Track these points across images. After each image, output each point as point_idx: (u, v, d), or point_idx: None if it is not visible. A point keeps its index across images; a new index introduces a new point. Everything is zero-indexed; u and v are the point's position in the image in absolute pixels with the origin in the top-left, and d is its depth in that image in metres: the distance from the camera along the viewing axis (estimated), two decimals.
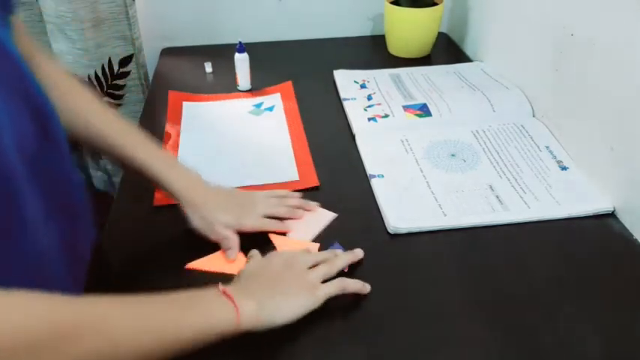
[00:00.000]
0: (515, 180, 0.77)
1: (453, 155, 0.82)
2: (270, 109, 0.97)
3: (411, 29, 1.13)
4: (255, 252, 0.63)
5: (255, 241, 0.65)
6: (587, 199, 0.73)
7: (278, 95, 1.01)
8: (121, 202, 0.75)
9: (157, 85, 1.08)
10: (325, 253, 0.62)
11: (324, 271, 0.58)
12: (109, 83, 1.17)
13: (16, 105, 0.45)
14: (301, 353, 0.54)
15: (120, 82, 1.19)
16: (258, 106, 0.98)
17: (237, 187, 0.76)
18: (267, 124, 0.93)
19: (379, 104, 0.95)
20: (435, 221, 0.69)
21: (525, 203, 0.72)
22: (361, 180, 0.78)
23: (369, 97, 0.97)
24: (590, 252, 0.66)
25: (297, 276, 0.56)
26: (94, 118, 0.62)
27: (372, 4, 1.25)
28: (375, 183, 0.77)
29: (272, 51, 1.20)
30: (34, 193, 0.47)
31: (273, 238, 0.68)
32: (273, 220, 0.68)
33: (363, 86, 1.02)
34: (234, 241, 0.64)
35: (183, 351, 0.45)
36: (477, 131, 0.88)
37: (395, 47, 1.18)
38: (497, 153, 0.83)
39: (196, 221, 0.64)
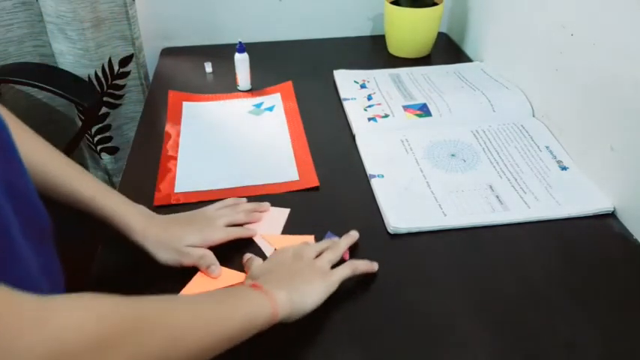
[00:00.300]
0: (515, 180, 0.77)
1: (453, 155, 0.82)
2: (270, 109, 0.97)
3: (411, 29, 1.13)
4: (249, 255, 0.63)
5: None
6: (587, 199, 0.73)
7: (278, 95, 1.01)
8: None
9: (157, 85, 1.08)
10: (325, 242, 0.63)
11: (330, 257, 0.60)
12: (109, 83, 1.17)
13: None
14: (301, 354, 0.54)
15: (120, 82, 1.19)
16: (258, 106, 0.98)
17: (238, 187, 0.77)
18: (267, 124, 0.93)
19: (379, 104, 0.95)
20: (435, 221, 0.69)
21: (525, 203, 0.72)
22: (361, 180, 0.78)
23: (369, 97, 0.97)
24: (590, 252, 0.66)
25: (309, 266, 0.58)
26: (38, 158, 0.60)
27: (372, 4, 1.25)
28: (375, 183, 0.77)
29: (272, 51, 1.20)
30: (14, 217, 0.47)
31: (269, 239, 0.68)
32: (237, 227, 0.67)
33: (363, 86, 1.02)
34: (211, 256, 0.62)
35: (229, 346, 0.46)
36: (477, 131, 0.88)
37: (395, 47, 1.18)
38: (497, 153, 0.83)
39: (163, 254, 0.61)
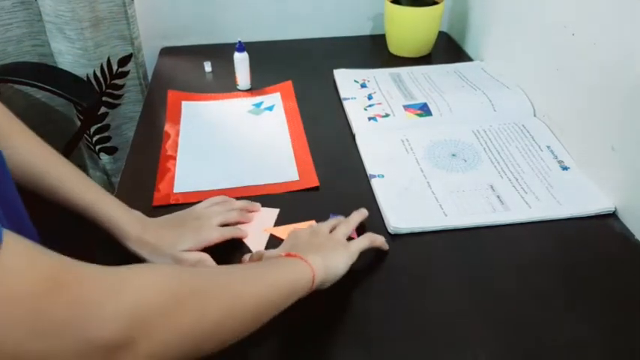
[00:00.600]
0: (516, 180, 0.76)
1: (453, 155, 0.82)
2: (270, 108, 0.97)
3: (411, 28, 1.13)
4: (255, 253, 0.62)
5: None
6: (588, 199, 0.73)
7: (278, 95, 1.01)
8: None
9: (156, 84, 1.08)
10: (334, 219, 0.65)
11: (344, 230, 0.62)
12: (107, 83, 1.17)
13: None
14: (301, 353, 0.54)
15: (119, 81, 1.18)
16: (258, 105, 0.98)
17: (237, 187, 0.76)
18: (267, 124, 0.92)
19: (379, 104, 0.95)
20: (436, 221, 0.69)
21: (526, 203, 0.72)
22: (361, 180, 0.78)
23: (370, 97, 0.97)
24: (591, 252, 0.66)
25: (328, 239, 0.60)
26: (34, 159, 0.60)
27: (372, 3, 1.25)
28: (375, 183, 0.76)
29: (272, 51, 1.20)
30: None
31: (274, 231, 0.68)
32: (231, 227, 0.67)
33: (363, 86, 1.02)
34: (208, 259, 0.62)
35: (276, 312, 0.48)
36: (478, 131, 0.87)
37: (395, 46, 1.17)
38: (498, 153, 0.82)
39: (159, 260, 0.61)
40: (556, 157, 0.81)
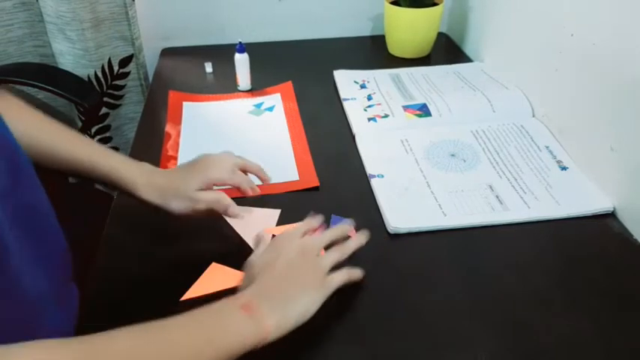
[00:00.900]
0: (515, 180, 0.77)
1: (452, 155, 0.82)
2: (270, 109, 0.97)
3: (410, 29, 1.13)
4: (261, 234, 0.61)
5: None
6: (587, 199, 0.73)
7: (278, 95, 1.01)
8: (121, 202, 0.75)
9: (157, 85, 1.08)
10: (332, 233, 0.60)
11: (337, 257, 0.57)
12: (108, 84, 1.17)
13: None
14: (300, 353, 0.54)
15: (120, 82, 1.19)
16: (259, 106, 0.98)
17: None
18: (268, 125, 0.93)
19: (379, 104, 0.95)
20: (435, 221, 0.69)
21: (525, 203, 0.72)
22: (361, 180, 0.78)
23: (369, 97, 0.97)
24: (590, 252, 0.66)
25: (312, 267, 0.55)
26: (34, 129, 0.59)
27: (372, 4, 1.25)
28: (375, 183, 0.77)
29: (272, 51, 1.20)
30: (15, 237, 0.46)
31: (275, 231, 0.68)
32: (244, 176, 0.64)
33: (363, 86, 1.02)
34: (225, 197, 0.60)
35: None
36: (477, 131, 0.88)
37: (395, 47, 1.18)
38: (497, 153, 0.83)
39: (174, 204, 0.60)
40: (555, 157, 0.81)
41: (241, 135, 0.90)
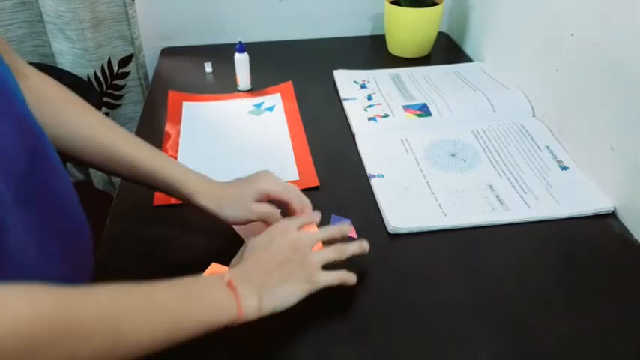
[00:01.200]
0: (516, 180, 0.77)
1: (453, 155, 0.82)
2: (270, 109, 0.97)
3: (411, 29, 1.13)
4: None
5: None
6: (587, 199, 0.73)
7: (278, 95, 1.01)
8: (121, 202, 0.75)
9: (156, 85, 1.08)
10: (330, 231, 0.61)
11: (332, 256, 0.57)
12: (108, 83, 1.17)
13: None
14: (301, 353, 0.54)
15: (120, 82, 1.19)
16: (258, 106, 0.98)
17: None
18: (268, 124, 0.93)
19: (379, 104, 0.95)
20: (435, 221, 0.69)
21: (525, 203, 0.72)
22: (361, 180, 0.78)
23: (369, 97, 0.97)
24: (590, 252, 0.66)
25: (300, 261, 0.55)
26: (98, 132, 0.61)
27: (372, 4, 1.25)
28: (375, 183, 0.76)
29: (272, 51, 1.20)
30: (22, 218, 0.46)
31: None
32: (298, 195, 0.65)
33: (363, 86, 1.02)
34: (276, 212, 0.63)
35: (182, 341, 0.45)
36: (477, 131, 0.88)
37: (395, 47, 1.18)
38: (498, 153, 0.83)
39: (230, 212, 0.62)
40: (555, 157, 0.81)
41: (241, 135, 0.90)
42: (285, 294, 0.53)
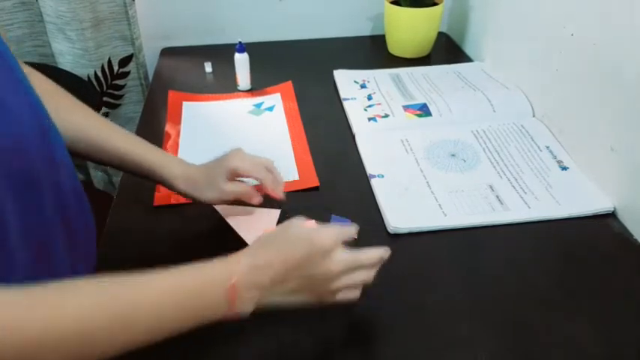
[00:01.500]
0: (516, 180, 0.77)
1: (453, 155, 0.82)
2: (270, 109, 0.97)
3: (411, 29, 1.13)
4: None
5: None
6: (587, 199, 0.73)
7: (278, 95, 1.01)
8: (121, 202, 0.75)
9: (156, 85, 1.08)
10: (366, 257, 0.52)
11: (361, 278, 0.51)
12: (108, 83, 1.17)
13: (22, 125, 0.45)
14: (301, 353, 0.54)
15: (120, 82, 1.19)
16: (258, 106, 0.98)
17: None
18: (268, 124, 0.93)
19: (379, 104, 0.95)
20: (435, 221, 0.69)
21: (525, 203, 0.72)
22: (361, 180, 0.78)
23: (369, 97, 0.97)
24: (590, 252, 0.66)
25: (322, 284, 0.49)
26: (86, 124, 0.62)
27: (372, 4, 1.25)
28: (375, 183, 0.76)
29: (272, 51, 1.20)
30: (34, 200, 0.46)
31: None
32: (270, 174, 0.67)
33: (363, 86, 1.02)
34: (251, 191, 0.65)
35: (167, 336, 0.43)
36: (477, 131, 0.88)
37: (395, 47, 1.18)
38: (498, 153, 0.83)
39: (207, 194, 0.64)
40: (555, 157, 0.81)
41: (241, 135, 0.90)
42: (287, 303, 0.49)
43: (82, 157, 0.63)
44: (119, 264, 0.64)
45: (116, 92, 1.19)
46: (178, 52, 1.21)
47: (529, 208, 0.72)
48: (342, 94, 1.00)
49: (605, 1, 0.72)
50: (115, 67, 1.16)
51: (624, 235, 0.69)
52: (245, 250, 0.49)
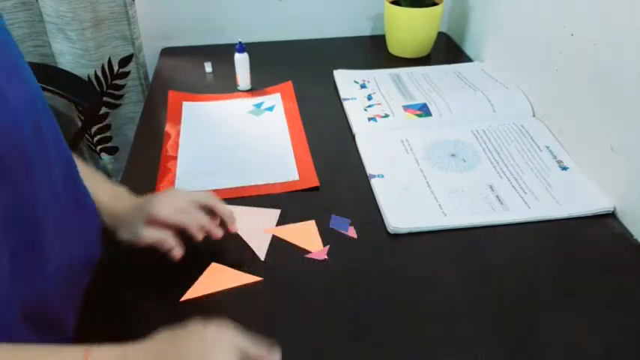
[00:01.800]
0: (516, 180, 0.77)
1: (453, 155, 0.82)
2: (270, 109, 0.97)
3: (411, 29, 1.13)
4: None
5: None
6: (587, 199, 0.73)
7: (278, 95, 1.01)
8: None
9: (156, 85, 1.08)
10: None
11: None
12: (108, 83, 1.17)
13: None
14: (301, 353, 0.54)
15: (120, 82, 1.19)
16: (258, 106, 0.98)
17: (237, 187, 0.77)
18: (268, 124, 0.93)
19: (379, 104, 0.95)
20: (435, 221, 0.69)
21: (525, 203, 0.72)
22: (361, 180, 0.78)
23: (369, 97, 0.97)
24: (590, 252, 0.66)
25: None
26: None
27: (372, 4, 1.25)
28: (375, 183, 0.76)
29: (272, 51, 1.20)
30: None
31: (275, 231, 0.68)
32: (199, 215, 0.61)
33: (363, 86, 1.02)
34: (168, 240, 0.59)
35: None
36: (477, 131, 0.88)
37: (395, 47, 1.18)
38: (498, 153, 0.83)
39: (121, 233, 0.60)
40: (555, 157, 0.81)
41: (241, 135, 0.90)
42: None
43: None
44: (119, 264, 0.65)
45: (116, 92, 1.19)
46: (178, 52, 1.21)
47: (529, 208, 0.72)
48: (342, 94, 1.00)
49: (605, 1, 0.72)
50: (115, 67, 1.16)
51: (624, 235, 0.69)
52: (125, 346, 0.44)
